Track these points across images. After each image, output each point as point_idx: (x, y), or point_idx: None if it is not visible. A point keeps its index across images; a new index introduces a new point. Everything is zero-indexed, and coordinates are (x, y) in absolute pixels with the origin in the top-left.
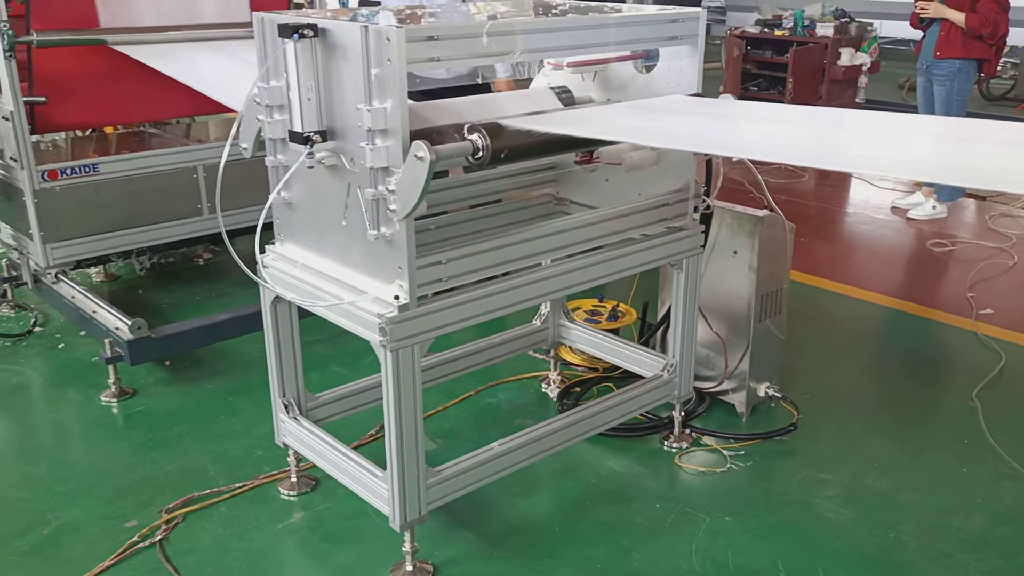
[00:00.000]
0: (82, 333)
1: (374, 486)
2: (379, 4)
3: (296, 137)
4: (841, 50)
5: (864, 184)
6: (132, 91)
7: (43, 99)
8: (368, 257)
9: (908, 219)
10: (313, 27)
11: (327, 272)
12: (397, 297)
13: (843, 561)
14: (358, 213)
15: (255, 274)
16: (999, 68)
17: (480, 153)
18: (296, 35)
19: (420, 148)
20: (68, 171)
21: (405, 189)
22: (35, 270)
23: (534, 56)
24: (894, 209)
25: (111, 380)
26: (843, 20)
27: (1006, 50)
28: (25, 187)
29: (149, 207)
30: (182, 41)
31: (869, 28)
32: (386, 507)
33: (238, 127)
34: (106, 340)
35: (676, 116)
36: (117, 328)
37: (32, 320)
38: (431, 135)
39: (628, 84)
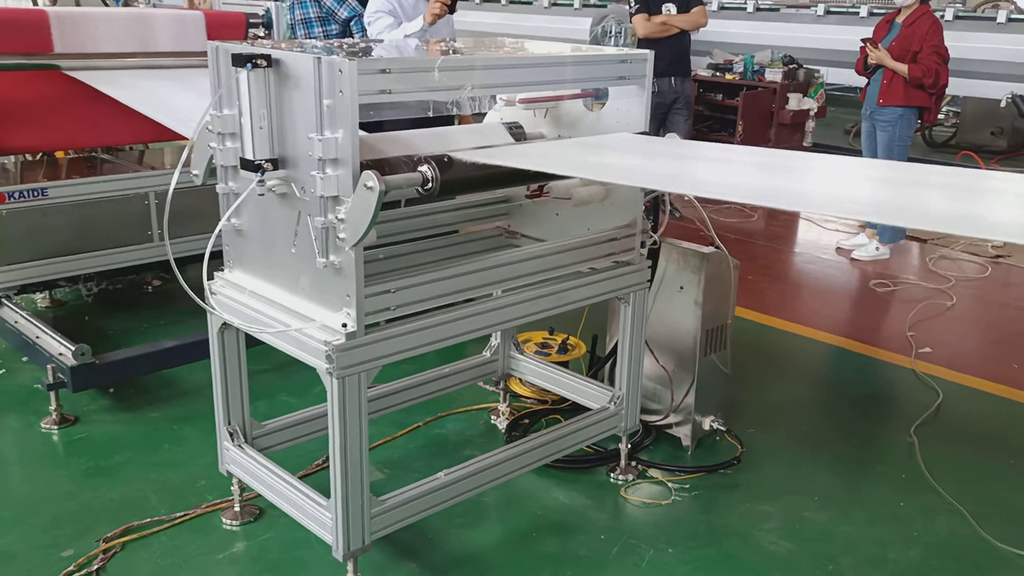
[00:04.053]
0: (24, 359)
1: (318, 515)
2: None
3: (247, 165)
4: (789, 95)
5: (811, 225)
6: (84, 116)
7: None
8: (316, 285)
9: (852, 260)
10: (267, 57)
11: (275, 299)
12: (344, 325)
13: None
14: (307, 241)
15: (203, 301)
16: (941, 116)
17: (429, 184)
18: (249, 64)
19: (370, 178)
20: (16, 195)
21: (355, 218)
22: None
23: (485, 92)
24: (839, 250)
25: (52, 407)
26: (791, 66)
27: (947, 99)
28: None
29: (99, 233)
30: (137, 68)
31: (816, 75)
32: (329, 536)
33: (189, 154)
34: (49, 366)
35: (624, 153)
36: (60, 354)
37: None
38: (382, 165)
39: (578, 121)
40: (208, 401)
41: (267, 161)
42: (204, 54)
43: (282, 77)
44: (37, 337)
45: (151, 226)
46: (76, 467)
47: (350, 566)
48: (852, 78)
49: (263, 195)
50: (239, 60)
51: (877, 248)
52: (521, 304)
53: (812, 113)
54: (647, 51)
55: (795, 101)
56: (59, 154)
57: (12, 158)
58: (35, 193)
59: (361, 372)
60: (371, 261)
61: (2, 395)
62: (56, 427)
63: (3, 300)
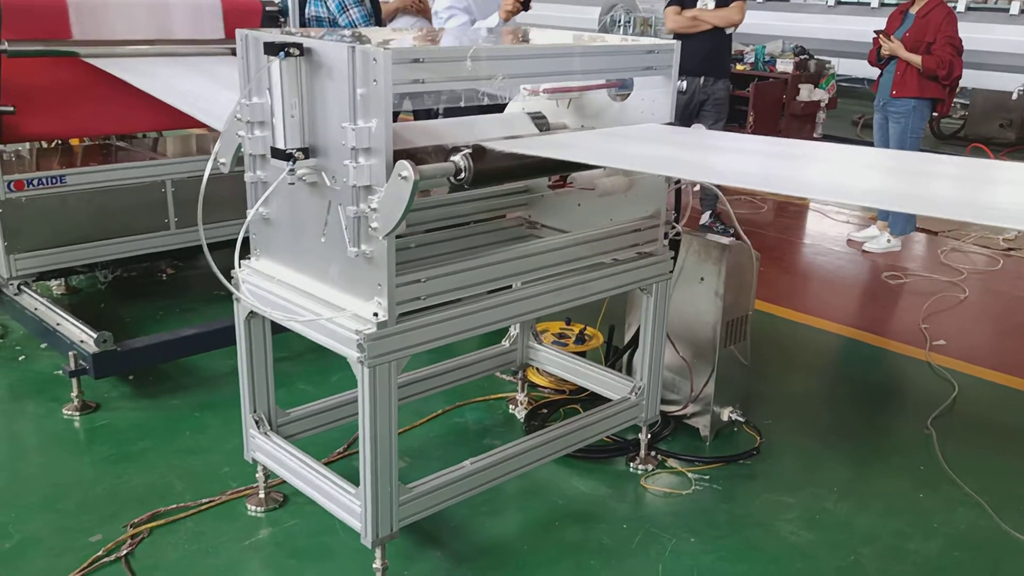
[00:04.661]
0: (43, 346)
1: (347, 502)
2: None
3: (278, 154)
4: (800, 86)
5: (821, 216)
6: (102, 103)
7: (11, 109)
8: (347, 274)
9: (863, 252)
10: (299, 46)
11: (304, 288)
12: (376, 314)
13: None
14: (338, 230)
15: (231, 288)
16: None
17: (463, 174)
18: (282, 53)
19: (405, 167)
20: (35, 182)
21: (387, 207)
22: None
23: (516, 81)
24: (850, 242)
25: (74, 394)
26: (803, 57)
27: (957, 91)
28: None
29: (116, 220)
30: (154, 55)
31: (827, 66)
32: (358, 523)
33: (220, 142)
34: (70, 353)
35: (652, 143)
36: (82, 341)
37: None
38: (412, 155)
39: (602, 112)
40: (228, 388)
41: (298, 150)
42: (220, 41)
43: (314, 66)
44: (57, 324)
45: (168, 214)
46: (100, 453)
47: (378, 553)
48: (863, 69)
49: (293, 184)
50: (271, 49)
51: (888, 240)
52: (547, 295)
53: (823, 104)
54: (675, 41)
55: (806, 92)
56: (74, 141)
57: (27, 145)
58: (54, 180)
59: (392, 361)
60: (401, 250)
61: (23, 381)
62: (78, 413)
63: (22, 287)
